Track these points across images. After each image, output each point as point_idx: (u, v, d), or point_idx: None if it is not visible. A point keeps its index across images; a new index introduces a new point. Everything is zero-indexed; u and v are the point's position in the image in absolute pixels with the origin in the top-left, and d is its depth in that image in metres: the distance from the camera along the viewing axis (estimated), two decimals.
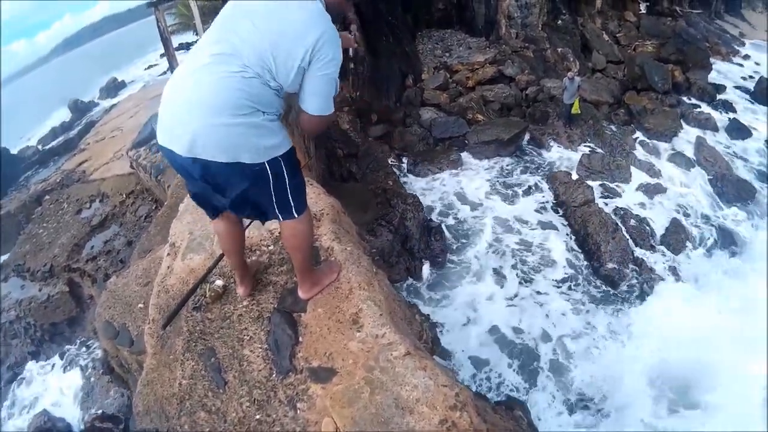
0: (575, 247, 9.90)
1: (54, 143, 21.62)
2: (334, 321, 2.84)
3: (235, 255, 2.90)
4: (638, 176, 11.84)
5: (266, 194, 2.41)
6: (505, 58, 15.82)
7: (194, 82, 2.15)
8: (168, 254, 3.83)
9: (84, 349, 9.02)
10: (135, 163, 9.40)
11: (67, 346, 9.23)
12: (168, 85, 2.23)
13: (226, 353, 2.89)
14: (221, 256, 3.22)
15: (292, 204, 2.50)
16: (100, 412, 7.47)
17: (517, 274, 9.23)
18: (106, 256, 8.91)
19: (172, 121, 2.20)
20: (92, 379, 8.28)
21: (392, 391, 2.41)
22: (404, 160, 12.74)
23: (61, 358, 9.11)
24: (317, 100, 2.31)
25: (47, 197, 11.71)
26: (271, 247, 3.53)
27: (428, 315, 6.92)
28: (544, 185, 11.57)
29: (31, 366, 9.39)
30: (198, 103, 2.13)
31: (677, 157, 12.49)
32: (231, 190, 2.37)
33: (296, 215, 2.54)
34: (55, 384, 8.78)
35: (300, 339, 2.81)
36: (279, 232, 3.47)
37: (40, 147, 22.38)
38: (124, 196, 9.82)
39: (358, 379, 2.54)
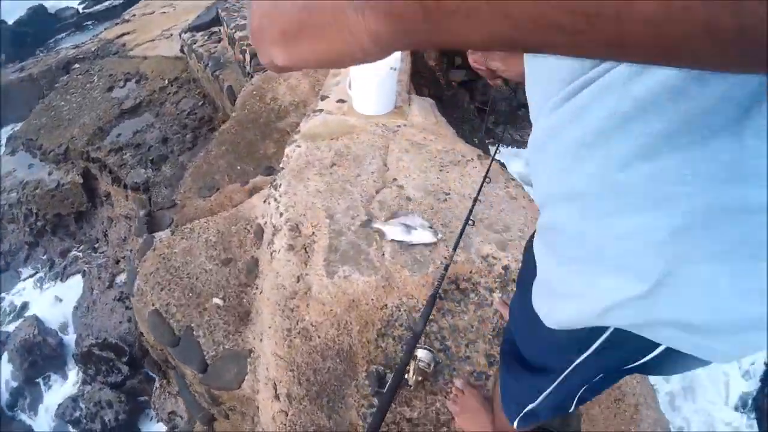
0: None
1: (97, 7, 20.19)
2: None
3: None
4: None
5: None
6: None
7: None
8: (290, 247, 2.26)
9: (90, 252, 7.73)
10: (187, 48, 7.75)
11: (72, 245, 7.94)
12: None
13: None
14: (432, 300, 1.72)
15: None
16: (101, 339, 6.33)
17: None
18: (134, 151, 7.32)
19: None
20: (95, 291, 7.04)
21: None
22: (484, 117, 11.36)
23: (63, 257, 7.86)
24: None
25: (77, 66, 10.09)
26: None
27: None
28: None
29: (25, 264, 8.22)
30: None
31: None
32: None
33: None
34: (52, 289, 7.59)
35: None
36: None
37: (80, 9, 20.83)
38: (167, 81, 8.16)
39: None
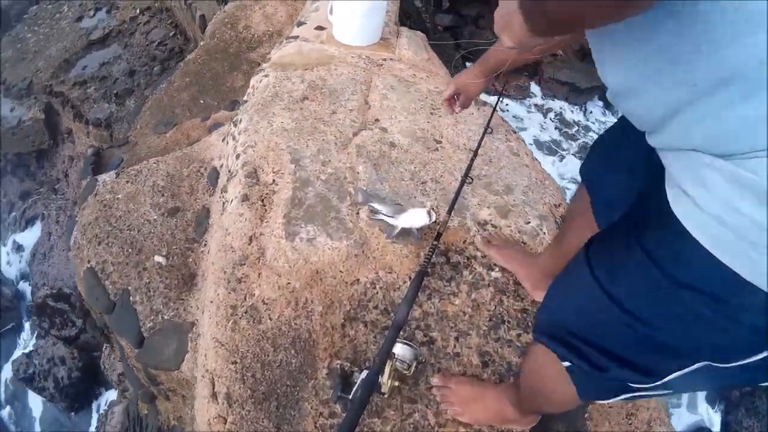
0: None
1: None
2: None
3: None
4: None
5: None
6: None
7: None
8: (244, 197, 1.82)
9: (50, 193, 7.31)
10: None
11: (32, 187, 7.52)
12: None
13: None
14: (419, 279, 1.27)
15: None
16: (56, 289, 6.09)
17: None
18: (99, 84, 6.95)
19: None
20: (53, 236, 6.79)
21: None
22: (468, 65, 11.05)
23: (23, 201, 7.47)
24: None
25: None
26: None
27: None
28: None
29: None
30: None
31: None
32: None
33: None
34: (11, 235, 7.28)
35: None
36: None
37: None
38: (138, 11, 7.65)
39: None
